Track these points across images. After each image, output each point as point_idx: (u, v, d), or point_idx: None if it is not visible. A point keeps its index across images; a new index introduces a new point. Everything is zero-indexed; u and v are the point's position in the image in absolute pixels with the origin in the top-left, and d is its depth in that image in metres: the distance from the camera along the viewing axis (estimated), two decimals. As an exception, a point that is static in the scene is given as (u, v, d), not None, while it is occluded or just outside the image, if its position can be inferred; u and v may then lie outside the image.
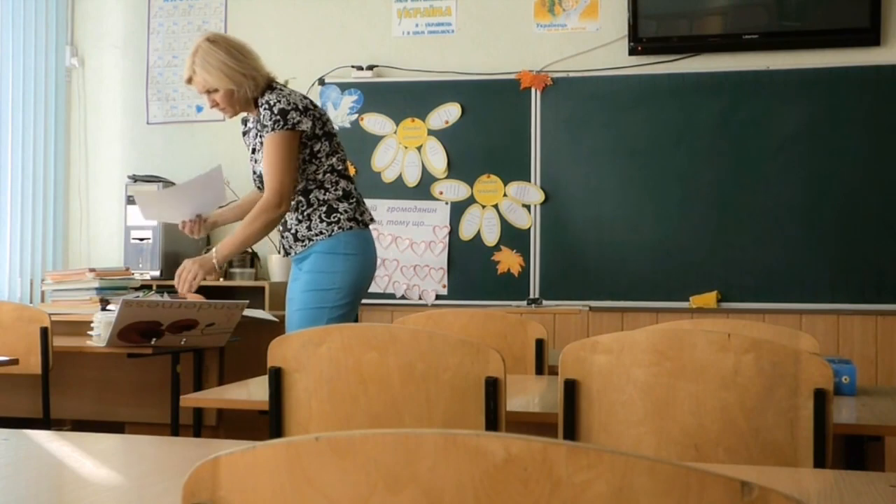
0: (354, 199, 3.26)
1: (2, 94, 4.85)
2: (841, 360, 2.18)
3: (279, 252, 3.42)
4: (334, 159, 3.23)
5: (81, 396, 3.80)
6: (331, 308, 3.14)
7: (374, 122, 4.86)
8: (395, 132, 4.84)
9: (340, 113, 4.88)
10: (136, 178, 4.91)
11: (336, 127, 3.35)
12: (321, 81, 4.90)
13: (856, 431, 1.84)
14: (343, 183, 3.24)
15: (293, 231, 3.23)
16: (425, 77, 4.84)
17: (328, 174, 3.21)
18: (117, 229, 5.06)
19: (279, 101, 3.13)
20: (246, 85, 3.16)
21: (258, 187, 3.29)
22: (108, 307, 3.59)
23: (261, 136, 3.20)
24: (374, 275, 3.36)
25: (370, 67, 4.89)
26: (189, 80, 3.22)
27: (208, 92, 3.19)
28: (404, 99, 4.84)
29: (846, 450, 1.89)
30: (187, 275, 3.13)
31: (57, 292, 3.96)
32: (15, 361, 3.10)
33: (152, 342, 3.22)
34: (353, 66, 4.91)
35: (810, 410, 1.65)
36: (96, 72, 5.34)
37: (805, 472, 1.47)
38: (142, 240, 4.75)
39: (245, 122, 3.42)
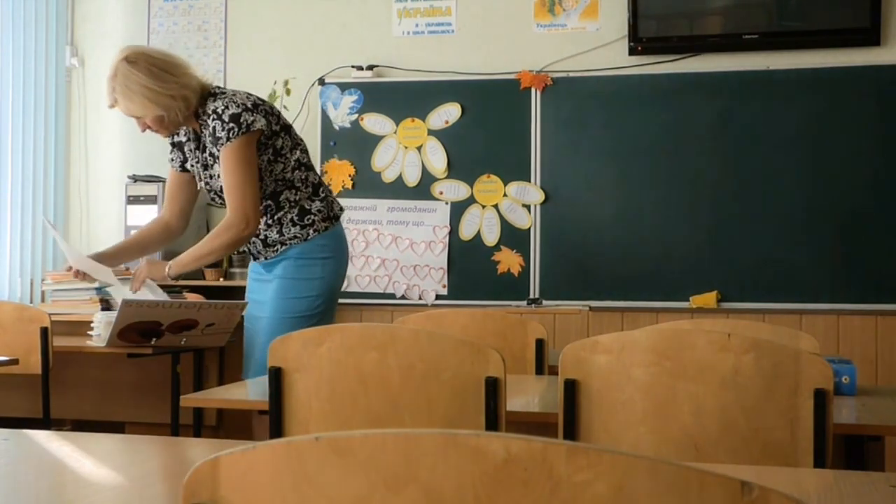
0: (324, 193, 3.07)
1: (2, 94, 4.85)
2: (841, 360, 2.18)
3: (250, 257, 3.18)
4: (298, 152, 3.03)
5: (81, 396, 3.81)
6: (308, 316, 2.98)
7: (374, 122, 4.86)
8: (395, 132, 4.84)
9: (340, 113, 4.88)
10: (136, 178, 4.91)
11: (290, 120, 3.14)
12: (321, 81, 4.90)
13: (856, 431, 1.84)
14: (311, 176, 3.06)
15: (262, 237, 3.03)
16: (425, 77, 4.84)
17: (296, 170, 3.01)
18: (117, 229, 5.06)
19: (227, 107, 2.86)
20: (175, 107, 2.87)
21: (220, 205, 3.07)
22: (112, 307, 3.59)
23: (214, 149, 2.93)
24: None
25: (370, 67, 4.89)
26: (112, 107, 2.93)
27: (136, 118, 2.91)
28: (404, 99, 4.84)
29: (846, 450, 1.89)
30: (137, 273, 3.06)
31: (57, 292, 3.96)
32: (15, 361, 3.10)
33: (152, 342, 3.22)
34: (353, 66, 4.91)
35: (810, 410, 1.65)
36: (96, 72, 5.33)
37: (805, 472, 1.47)
38: (142, 240, 4.74)
39: (172, 144, 3.12)
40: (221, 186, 2.98)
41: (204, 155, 3.03)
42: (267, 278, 3.10)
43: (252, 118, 2.88)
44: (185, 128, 3.06)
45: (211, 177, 3.04)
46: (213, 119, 2.89)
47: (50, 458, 1.43)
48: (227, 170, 2.88)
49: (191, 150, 3.09)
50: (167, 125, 2.93)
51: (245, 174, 2.88)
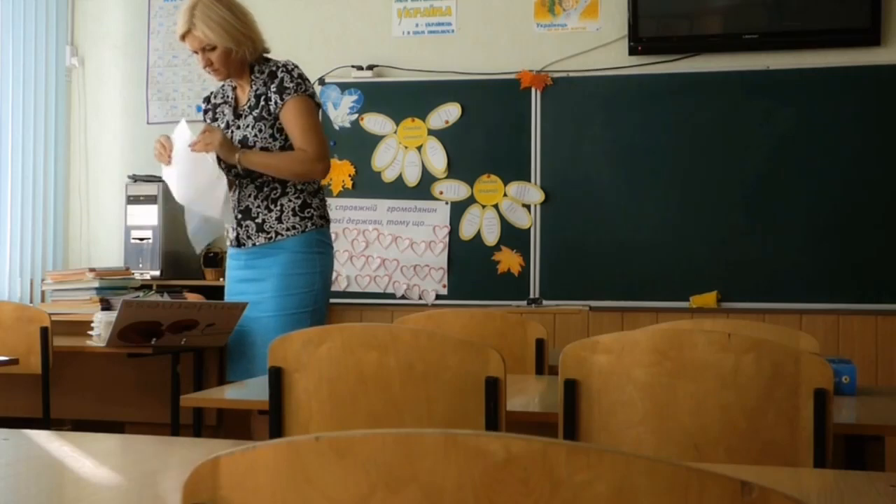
0: (322, 196, 3.16)
1: (2, 94, 4.85)
2: (841, 360, 2.18)
3: (229, 243, 3.18)
4: None
5: (81, 396, 3.80)
6: (312, 311, 3.03)
7: (374, 122, 4.86)
8: (395, 132, 4.84)
9: (340, 113, 4.88)
10: (136, 178, 4.91)
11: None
12: (321, 81, 4.90)
13: (856, 431, 1.84)
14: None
15: (259, 220, 3.06)
16: (425, 77, 4.84)
17: None
18: (117, 229, 5.06)
19: (297, 67, 3.08)
20: (245, 46, 3.02)
21: (223, 169, 3.06)
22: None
23: (274, 97, 3.03)
24: None
25: (370, 67, 4.89)
26: (184, 36, 3.01)
27: (203, 50, 3.01)
28: (404, 99, 4.84)
29: (846, 450, 1.89)
30: (208, 136, 2.99)
31: (57, 292, 3.96)
32: (15, 361, 3.09)
33: (152, 342, 3.22)
34: (353, 66, 4.91)
35: (810, 410, 1.65)
36: (96, 72, 5.34)
37: (805, 472, 1.47)
38: (142, 240, 4.76)
39: (208, 99, 3.26)
40: (244, 136, 3.05)
41: (239, 108, 3.12)
42: (255, 276, 3.10)
43: (313, 90, 3.10)
44: (225, 90, 3.19)
45: (238, 126, 3.09)
46: (282, 72, 3.05)
47: (50, 458, 1.43)
48: (300, 115, 3.02)
49: (222, 114, 3.18)
50: (229, 63, 3.05)
51: (318, 123, 3.07)
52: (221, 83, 3.22)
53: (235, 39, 3.00)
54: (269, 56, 3.14)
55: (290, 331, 1.95)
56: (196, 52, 3.05)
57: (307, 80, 3.08)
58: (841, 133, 4.41)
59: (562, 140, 4.67)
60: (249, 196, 3.09)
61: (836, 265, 4.39)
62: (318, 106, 3.12)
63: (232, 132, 3.11)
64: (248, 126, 3.08)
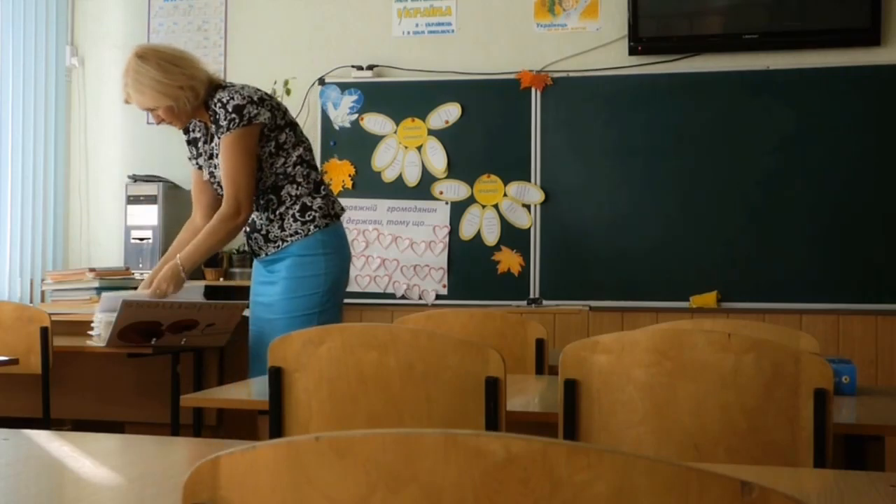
0: (325, 191, 3.14)
1: (2, 94, 4.85)
2: (841, 360, 2.18)
3: (248, 253, 3.25)
4: (301, 149, 3.11)
5: (81, 396, 3.80)
6: (319, 312, 3.04)
7: (374, 122, 4.86)
8: (395, 132, 4.84)
9: (340, 113, 4.88)
10: (136, 178, 4.91)
11: (296, 118, 3.23)
12: (321, 81, 4.91)
13: (856, 431, 1.84)
14: (313, 174, 3.13)
15: (263, 232, 3.10)
16: (425, 77, 4.84)
17: (297, 166, 3.08)
18: (117, 229, 5.06)
19: (232, 98, 2.98)
20: (183, 97, 2.99)
21: (222, 195, 3.10)
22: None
23: (218, 139, 3.04)
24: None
25: (370, 67, 4.89)
26: (127, 102, 3.08)
27: (150, 109, 3.05)
28: (404, 99, 4.84)
29: (846, 450, 1.89)
30: (154, 294, 3.06)
31: (57, 292, 3.96)
32: (15, 361, 3.09)
33: (152, 342, 3.22)
34: (353, 66, 4.91)
35: (810, 410, 1.65)
36: (96, 72, 5.33)
37: (805, 472, 1.47)
38: (142, 240, 4.76)
39: (186, 131, 3.22)
40: (211, 173, 3.09)
41: (210, 145, 3.12)
42: (270, 279, 3.15)
43: (256, 111, 2.99)
44: (198, 123, 3.16)
45: (215, 167, 3.11)
46: (219, 107, 2.99)
47: (50, 458, 1.43)
48: (224, 157, 2.99)
49: (202, 144, 3.18)
50: (178, 115, 3.05)
51: (240, 163, 2.99)
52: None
53: (171, 96, 2.98)
54: (223, 84, 3.09)
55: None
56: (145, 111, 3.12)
57: (243, 108, 2.97)
58: (841, 133, 4.41)
59: (562, 140, 4.67)
60: (252, 212, 3.12)
61: (836, 265, 4.39)
62: (260, 126, 3.00)
63: (212, 172, 3.15)
64: (214, 166, 3.11)
